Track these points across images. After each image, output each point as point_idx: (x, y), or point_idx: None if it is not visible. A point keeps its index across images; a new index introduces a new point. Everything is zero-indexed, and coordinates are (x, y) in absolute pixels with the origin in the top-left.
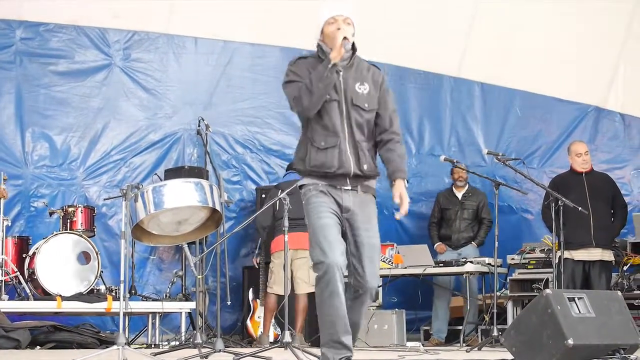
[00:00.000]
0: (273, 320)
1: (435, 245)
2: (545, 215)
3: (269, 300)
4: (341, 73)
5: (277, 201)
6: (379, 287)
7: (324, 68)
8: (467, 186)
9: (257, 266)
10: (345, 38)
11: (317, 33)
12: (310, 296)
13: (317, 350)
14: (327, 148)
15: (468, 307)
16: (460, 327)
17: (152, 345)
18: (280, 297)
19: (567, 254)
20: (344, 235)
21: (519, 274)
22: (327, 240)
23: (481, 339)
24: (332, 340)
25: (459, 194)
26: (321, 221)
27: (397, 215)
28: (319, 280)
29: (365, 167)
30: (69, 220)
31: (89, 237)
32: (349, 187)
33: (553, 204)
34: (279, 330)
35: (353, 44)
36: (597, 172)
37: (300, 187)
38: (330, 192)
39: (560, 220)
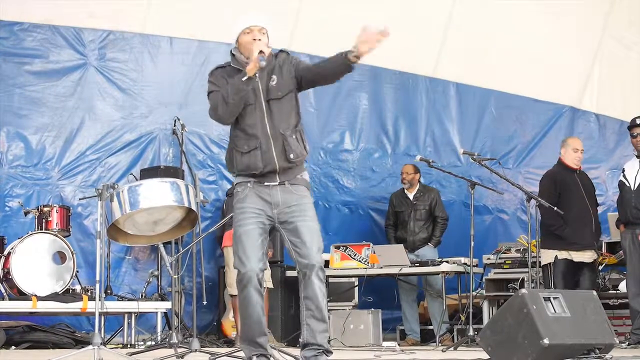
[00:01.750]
0: None
1: None
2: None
3: (233, 300)
4: (257, 76)
5: (225, 200)
6: (354, 286)
7: (239, 81)
8: (417, 186)
9: None
10: (261, 52)
11: (233, 42)
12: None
13: (293, 350)
14: (250, 151)
15: (444, 307)
16: (432, 327)
17: (128, 345)
18: None
19: (564, 254)
20: (274, 229)
21: (495, 273)
22: (244, 249)
23: (457, 339)
24: (248, 339)
25: (411, 195)
26: (241, 229)
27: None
28: (237, 286)
29: (291, 155)
30: (44, 220)
31: (64, 237)
32: (277, 183)
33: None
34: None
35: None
36: (582, 170)
37: (235, 185)
38: (258, 191)
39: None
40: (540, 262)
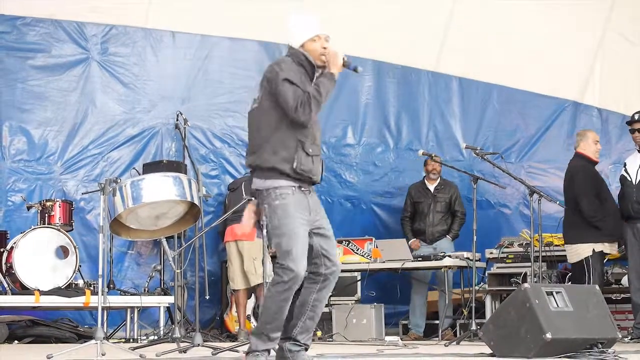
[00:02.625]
0: (250, 313)
1: (410, 242)
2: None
3: (236, 295)
4: None
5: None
6: (357, 281)
7: (331, 84)
8: (439, 179)
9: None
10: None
11: (295, 43)
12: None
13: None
14: (313, 156)
15: (446, 302)
16: (437, 322)
17: (131, 340)
18: (245, 291)
19: (600, 247)
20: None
21: (498, 268)
22: (303, 252)
23: (460, 333)
24: (264, 333)
25: (432, 187)
26: (299, 230)
27: None
28: (280, 283)
29: (322, 175)
30: (46, 215)
31: (67, 232)
32: (309, 191)
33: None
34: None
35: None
36: None
37: (270, 188)
38: (301, 196)
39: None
40: (564, 258)
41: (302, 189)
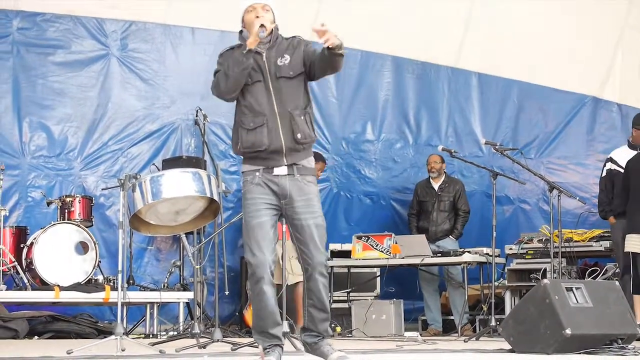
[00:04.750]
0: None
1: None
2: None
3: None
4: (264, 54)
5: None
6: (376, 276)
7: (240, 54)
8: (443, 176)
9: None
10: (262, 25)
11: (240, 21)
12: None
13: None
14: (256, 128)
15: (466, 298)
16: (452, 317)
17: (150, 335)
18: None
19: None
20: (284, 218)
21: (517, 264)
22: (256, 241)
23: (479, 329)
24: (262, 331)
25: (436, 185)
26: (254, 220)
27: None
28: (250, 278)
29: (299, 135)
30: (66, 210)
31: (86, 227)
32: (286, 173)
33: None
34: None
35: (273, 29)
36: None
37: (242, 174)
38: (267, 182)
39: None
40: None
41: (270, 167)
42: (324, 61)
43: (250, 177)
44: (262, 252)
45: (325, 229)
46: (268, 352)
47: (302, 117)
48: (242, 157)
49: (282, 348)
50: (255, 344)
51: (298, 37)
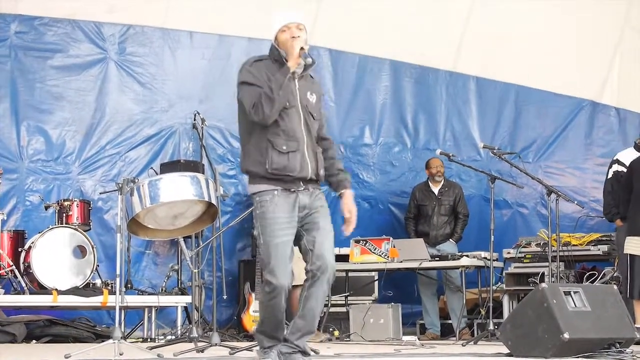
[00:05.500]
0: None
1: None
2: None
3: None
4: (296, 80)
5: None
6: (374, 280)
7: (283, 76)
8: (443, 180)
9: None
10: (302, 48)
11: (272, 38)
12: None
13: (313, 345)
14: (289, 152)
15: (464, 302)
16: (450, 321)
17: (148, 339)
18: None
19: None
20: (298, 234)
21: (515, 267)
22: (278, 261)
23: (477, 333)
24: (267, 333)
25: (436, 189)
26: (275, 240)
27: (346, 230)
28: (266, 295)
29: (321, 171)
30: (64, 214)
31: (84, 231)
32: (303, 188)
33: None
34: None
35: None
36: None
37: (253, 194)
38: (285, 197)
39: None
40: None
41: (290, 189)
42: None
43: (270, 197)
44: (282, 273)
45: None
46: (266, 351)
47: (321, 156)
48: (255, 176)
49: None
50: (252, 348)
51: (316, 79)
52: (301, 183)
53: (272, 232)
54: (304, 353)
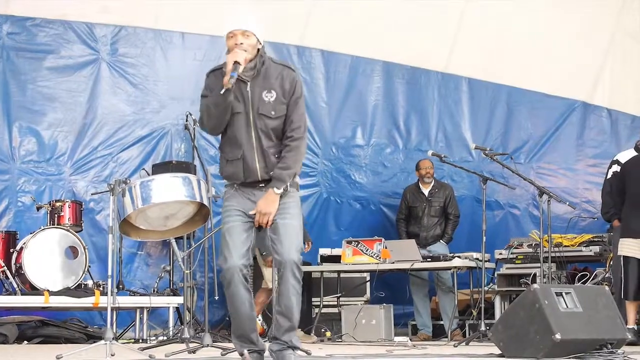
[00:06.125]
0: (260, 315)
1: None
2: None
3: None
4: (248, 83)
5: None
6: (366, 281)
7: (217, 95)
8: (433, 182)
9: None
10: (236, 62)
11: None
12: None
13: (305, 345)
14: (233, 160)
15: (455, 303)
16: (442, 322)
17: (140, 340)
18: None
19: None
20: (263, 234)
21: (507, 268)
22: (227, 245)
23: (469, 334)
24: (238, 335)
25: (426, 191)
26: (226, 225)
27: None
28: (222, 282)
29: (272, 173)
30: (56, 215)
31: (76, 232)
32: (263, 185)
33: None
34: (266, 326)
35: (259, 52)
36: None
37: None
38: (243, 191)
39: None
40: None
41: (244, 184)
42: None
43: (228, 188)
44: (231, 255)
45: (301, 233)
46: (244, 356)
47: (276, 157)
48: None
49: (261, 354)
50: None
51: (292, 71)
52: (259, 185)
53: (224, 220)
54: (294, 348)
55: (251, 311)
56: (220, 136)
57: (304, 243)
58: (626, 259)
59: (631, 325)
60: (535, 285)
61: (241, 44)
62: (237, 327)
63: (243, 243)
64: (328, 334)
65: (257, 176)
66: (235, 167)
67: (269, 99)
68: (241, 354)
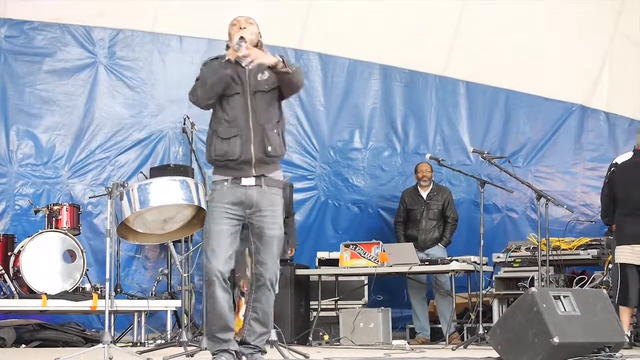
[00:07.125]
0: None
1: None
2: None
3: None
4: (246, 69)
5: None
6: (364, 285)
7: (218, 63)
8: (431, 185)
9: None
10: (241, 37)
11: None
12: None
13: (303, 348)
14: (230, 138)
15: (453, 306)
16: (440, 325)
17: (138, 344)
18: None
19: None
20: (247, 235)
21: (505, 272)
22: (213, 248)
23: (467, 337)
24: (211, 334)
25: (424, 194)
26: (215, 227)
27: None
28: (205, 281)
29: (269, 148)
30: (54, 219)
31: (74, 235)
32: (253, 184)
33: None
34: None
35: (259, 43)
36: None
37: (212, 183)
38: (234, 190)
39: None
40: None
41: (240, 183)
42: (279, 81)
43: (219, 186)
44: (216, 258)
45: (282, 242)
46: (215, 357)
47: (274, 131)
48: (212, 165)
49: (233, 355)
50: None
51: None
52: (252, 170)
53: (213, 219)
54: (262, 352)
55: (228, 311)
56: (211, 119)
57: (288, 249)
58: (623, 266)
59: (625, 331)
60: (533, 289)
61: (244, 28)
62: (210, 326)
63: (229, 246)
64: (326, 337)
65: (252, 154)
66: (231, 144)
67: (262, 77)
68: (213, 354)
